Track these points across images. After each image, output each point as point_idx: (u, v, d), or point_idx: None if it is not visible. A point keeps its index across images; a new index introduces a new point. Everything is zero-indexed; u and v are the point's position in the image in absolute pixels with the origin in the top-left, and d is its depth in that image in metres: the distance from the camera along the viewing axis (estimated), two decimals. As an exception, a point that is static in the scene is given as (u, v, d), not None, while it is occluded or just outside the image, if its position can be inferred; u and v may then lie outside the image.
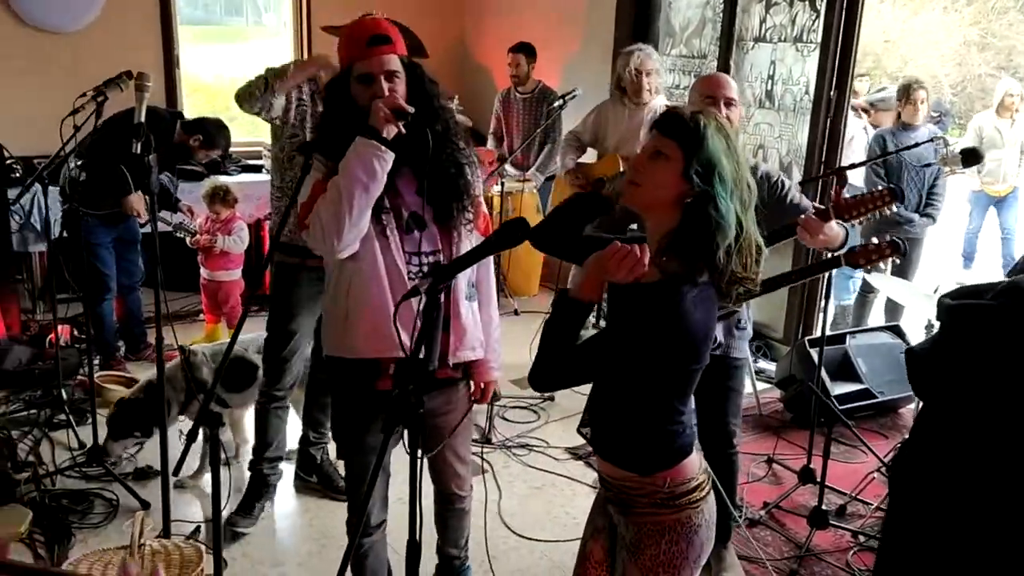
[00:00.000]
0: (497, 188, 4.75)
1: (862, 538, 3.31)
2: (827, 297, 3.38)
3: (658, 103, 4.50)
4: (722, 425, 2.94)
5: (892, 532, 1.95)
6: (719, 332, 2.77)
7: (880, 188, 2.67)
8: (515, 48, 5.80)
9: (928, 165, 4.55)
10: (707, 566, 2.91)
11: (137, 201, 4.19)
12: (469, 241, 2.27)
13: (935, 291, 3.32)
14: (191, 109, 6.32)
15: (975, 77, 14.18)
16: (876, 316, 5.27)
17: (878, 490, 3.57)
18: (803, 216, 2.58)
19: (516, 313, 5.59)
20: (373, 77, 2.12)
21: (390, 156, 2.08)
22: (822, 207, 2.61)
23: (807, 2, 4.55)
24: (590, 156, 4.87)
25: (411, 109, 2.10)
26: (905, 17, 14.71)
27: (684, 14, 5.37)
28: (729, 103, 2.74)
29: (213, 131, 4.37)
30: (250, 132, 7.06)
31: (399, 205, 2.19)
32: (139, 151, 2.61)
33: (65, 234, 3.64)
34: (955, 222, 7.54)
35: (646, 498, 1.77)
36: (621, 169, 4.53)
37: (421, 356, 1.74)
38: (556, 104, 4.55)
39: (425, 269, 2.21)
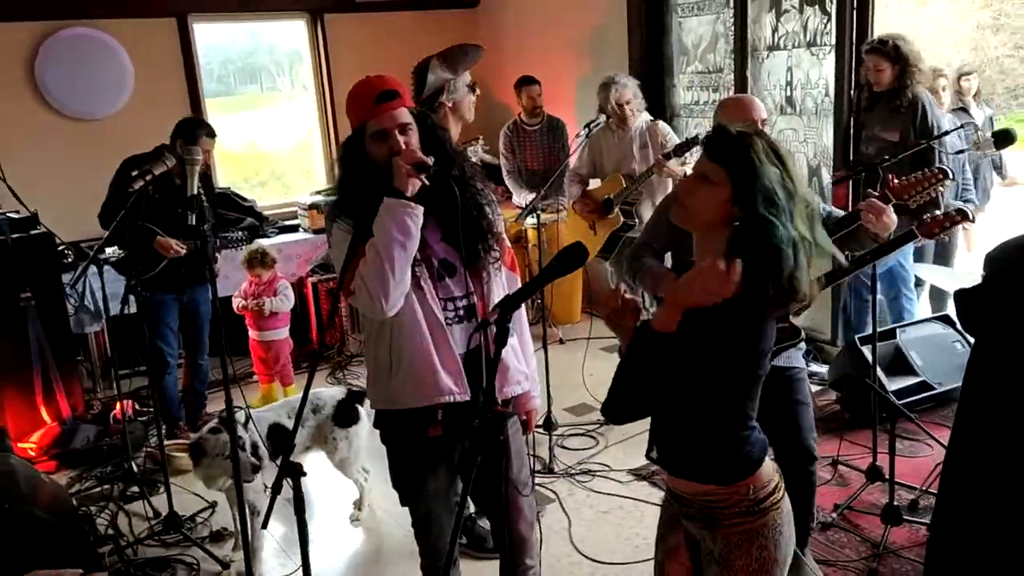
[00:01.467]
0: (532, 220, 4.83)
1: (938, 531, 3.28)
2: (873, 292, 3.39)
3: (641, 121, 4.78)
4: (799, 440, 2.90)
5: (951, 480, 1.97)
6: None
7: (930, 168, 2.69)
8: (526, 81, 5.95)
9: (961, 151, 4.54)
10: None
11: (168, 240, 4.21)
12: (497, 279, 2.33)
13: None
14: (223, 178, 6.52)
15: (992, 60, 14.06)
16: (923, 308, 5.23)
17: (948, 481, 3.53)
18: (867, 200, 2.61)
19: (561, 342, 5.62)
20: (388, 133, 2.17)
21: (420, 211, 2.13)
22: (876, 193, 2.65)
23: (817, 6, 4.60)
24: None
25: (431, 160, 2.14)
26: (914, 8, 14.68)
27: (696, 31, 5.44)
28: (761, 121, 2.80)
29: (184, 127, 4.32)
30: (283, 194, 7.25)
31: (428, 254, 2.25)
32: (194, 222, 2.72)
33: (128, 310, 3.74)
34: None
35: (731, 508, 1.79)
36: (624, 185, 4.79)
37: (486, 391, 1.80)
38: (582, 133, 4.68)
39: (461, 313, 2.27)
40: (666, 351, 1.68)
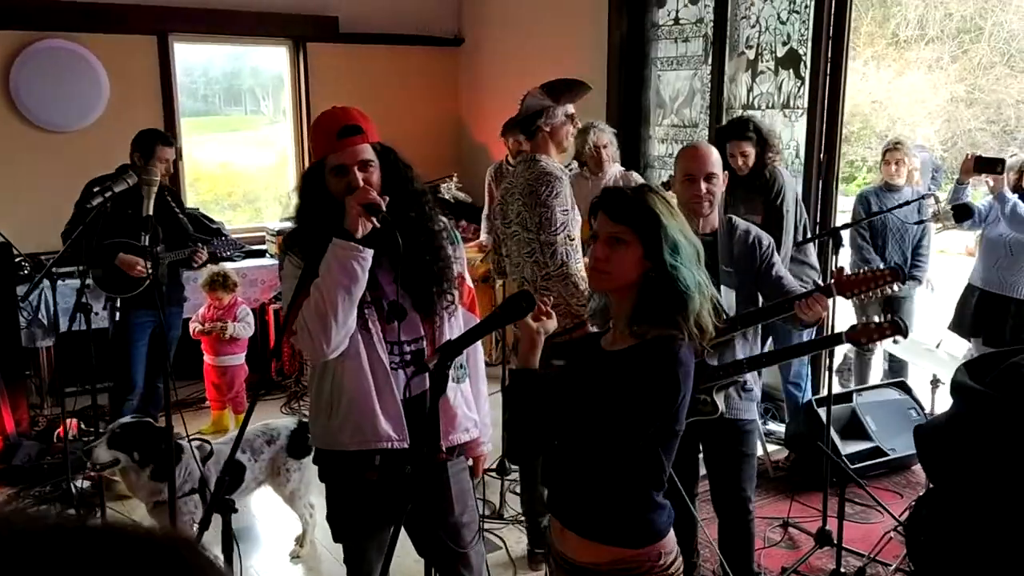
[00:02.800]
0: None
1: (884, 600, 3.26)
2: (831, 356, 3.40)
3: (616, 170, 4.79)
4: (737, 491, 2.93)
5: None
6: (723, 397, 2.79)
7: (883, 268, 2.71)
8: (513, 125, 5.96)
9: (919, 223, 4.61)
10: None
11: (130, 259, 4.15)
12: (450, 324, 2.28)
13: (937, 346, 3.34)
14: (194, 197, 6.46)
15: (965, 132, 14.42)
16: (876, 373, 5.26)
17: (896, 550, 3.52)
18: (812, 298, 2.62)
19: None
20: (347, 169, 2.13)
21: (368, 254, 2.08)
22: (824, 285, 2.67)
23: (792, 70, 4.68)
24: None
25: (383, 203, 2.09)
26: (890, 78, 15.04)
27: (673, 85, 5.51)
28: (710, 178, 2.77)
29: (140, 139, 4.27)
30: (252, 218, 7.21)
31: (379, 296, 2.20)
32: (147, 243, 2.67)
33: (78, 326, 3.67)
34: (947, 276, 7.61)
35: (641, 575, 1.76)
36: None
37: (426, 438, 1.78)
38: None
39: (408, 358, 2.23)
40: (532, 387, 1.78)
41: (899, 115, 14.50)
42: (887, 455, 4.18)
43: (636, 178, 4.87)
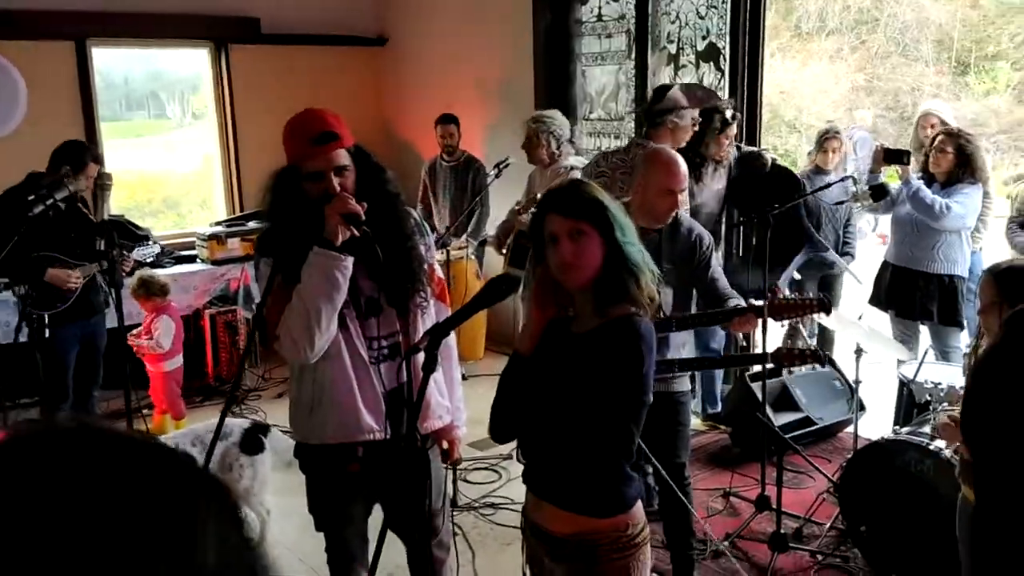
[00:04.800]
0: (440, 255, 4.93)
1: (820, 557, 3.48)
2: (764, 333, 3.60)
3: (569, 162, 4.89)
4: (673, 458, 3.10)
5: None
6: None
7: (812, 297, 2.95)
8: (445, 119, 6.06)
9: (841, 203, 4.90)
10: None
11: (60, 273, 4.05)
12: (423, 317, 2.36)
13: (860, 318, 3.57)
14: (114, 205, 6.31)
15: (864, 119, 15.10)
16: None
17: (829, 510, 3.76)
18: (746, 318, 2.86)
19: (464, 378, 5.65)
20: (323, 175, 2.14)
21: (349, 261, 2.14)
22: (757, 305, 2.88)
23: (712, 63, 4.90)
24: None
25: (362, 210, 2.13)
26: (796, 68, 15.64)
27: (599, 80, 5.68)
28: (683, 191, 2.97)
29: (70, 152, 4.16)
30: (178, 224, 7.09)
31: (356, 293, 2.25)
32: (103, 247, 2.66)
33: (21, 338, 3.59)
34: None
35: (610, 545, 1.86)
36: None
37: (404, 429, 1.87)
38: (492, 173, 4.80)
39: (386, 352, 2.30)
40: (534, 376, 1.86)
41: (805, 104, 15.10)
42: (816, 424, 4.43)
43: (574, 162, 4.96)
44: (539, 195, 4.85)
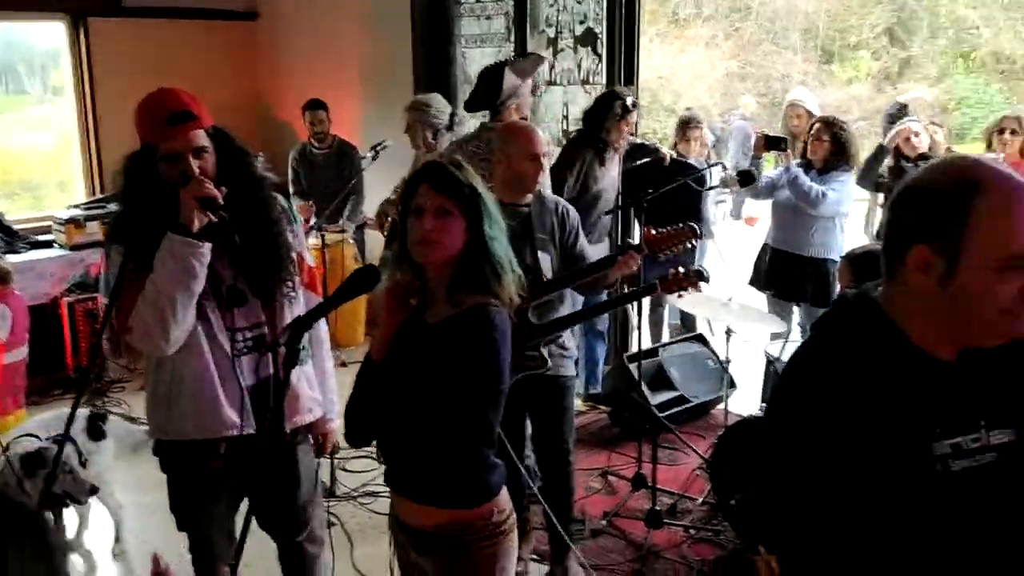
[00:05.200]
0: (315, 240, 4.79)
1: (693, 531, 3.59)
2: (640, 314, 3.67)
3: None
4: (559, 443, 3.13)
5: None
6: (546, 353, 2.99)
7: (682, 225, 2.97)
8: (312, 105, 5.90)
9: (711, 188, 5.04)
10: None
11: None
12: (291, 307, 2.27)
13: (729, 300, 3.68)
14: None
15: (740, 105, 15.65)
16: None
17: (702, 486, 3.88)
18: (627, 255, 2.88)
19: (344, 365, 5.55)
20: (180, 156, 2.06)
21: (207, 248, 2.04)
22: (635, 243, 2.93)
23: (590, 48, 4.94)
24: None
25: (220, 195, 2.05)
26: (674, 54, 16.05)
27: (479, 62, 5.63)
28: (545, 155, 2.99)
29: None
30: (34, 207, 6.65)
31: (217, 282, 2.16)
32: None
33: None
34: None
35: (476, 533, 1.85)
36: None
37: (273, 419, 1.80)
38: (368, 155, 4.68)
39: (250, 344, 2.21)
40: (393, 375, 1.81)
41: (683, 89, 15.51)
42: (690, 402, 4.57)
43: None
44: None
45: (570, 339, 3.14)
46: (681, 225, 2.97)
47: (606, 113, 4.25)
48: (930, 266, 1.22)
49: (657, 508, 3.56)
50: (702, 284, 2.97)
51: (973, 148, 10.19)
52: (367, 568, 3.36)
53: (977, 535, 1.21)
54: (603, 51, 4.85)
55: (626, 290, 3.34)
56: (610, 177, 4.38)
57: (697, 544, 3.53)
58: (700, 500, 3.79)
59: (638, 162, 4.74)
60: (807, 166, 4.45)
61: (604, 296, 3.67)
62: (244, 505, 2.32)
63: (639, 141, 4.82)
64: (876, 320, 1.29)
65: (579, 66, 4.99)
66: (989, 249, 1.17)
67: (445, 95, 5.73)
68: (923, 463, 1.24)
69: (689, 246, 3.00)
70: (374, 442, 2.02)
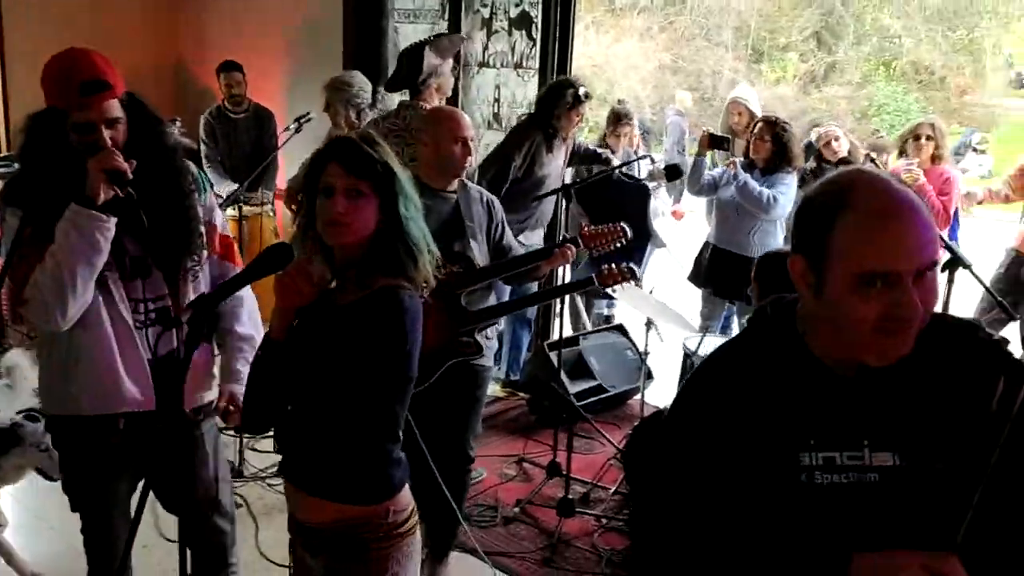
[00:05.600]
0: (233, 212, 4.64)
1: (604, 520, 3.61)
2: (563, 303, 3.67)
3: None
4: (462, 433, 3.08)
5: None
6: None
7: (615, 225, 3.02)
8: (227, 67, 5.71)
9: (638, 181, 5.06)
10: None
11: None
12: (195, 281, 2.19)
13: (651, 292, 3.71)
14: None
15: (671, 98, 15.85)
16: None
17: (615, 475, 3.91)
18: (563, 248, 2.93)
19: (260, 341, 5.44)
20: (93, 127, 1.97)
21: (112, 222, 1.96)
22: (570, 237, 2.96)
23: (524, 31, 4.89)
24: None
25: (129, 168, 1.96)
26: (608, 44, 16.13)
27: (412, 38, 5.51)
28: (471, 139, 2.94)
29: None
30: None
31: (121, 252, 2.06)
32: None
33: None
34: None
35: (372, 533, 1.76)
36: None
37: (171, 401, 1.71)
38: (292, 127, 4.54)
39: (153, 316, 2.12)
40: (289, 356, 1.72)
41: (616, 79, 15.61)
42: (608, 392, 4.59)
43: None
44: None
45: (491, 329, 3.11)
46: (614, 224, 3.01)
47: (557, 101, 4.21)
48: (804, 277, 1.24)
49: (570, 497, 3.56)
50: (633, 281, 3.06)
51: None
52: (271, 551, 3.28)
53: (845, 553, 1.17)
54: (538, 36, 4.81)
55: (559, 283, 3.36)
56: (556, 165, 4.35)
57: (608, 533, 3.55)
58: (613, 490, 3.82)
59: (591, 176, 4.71)
60: (750, 165, 4.45)
61: (535, 288, 3.68)
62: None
63: (596, 149, 4.80)
64: (784, 328, 1.30)
65: (513, 49, 4.94)
66: (846, 264, 1.18)
67: (375, 69, 5.62)
68: (788, 472, 1.24)
69: (620, 244, 3.05)
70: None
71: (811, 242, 1.22)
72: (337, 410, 1.71)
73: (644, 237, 4.77)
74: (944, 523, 1.18)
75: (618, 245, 3.05)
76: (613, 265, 3.03)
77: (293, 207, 4.95)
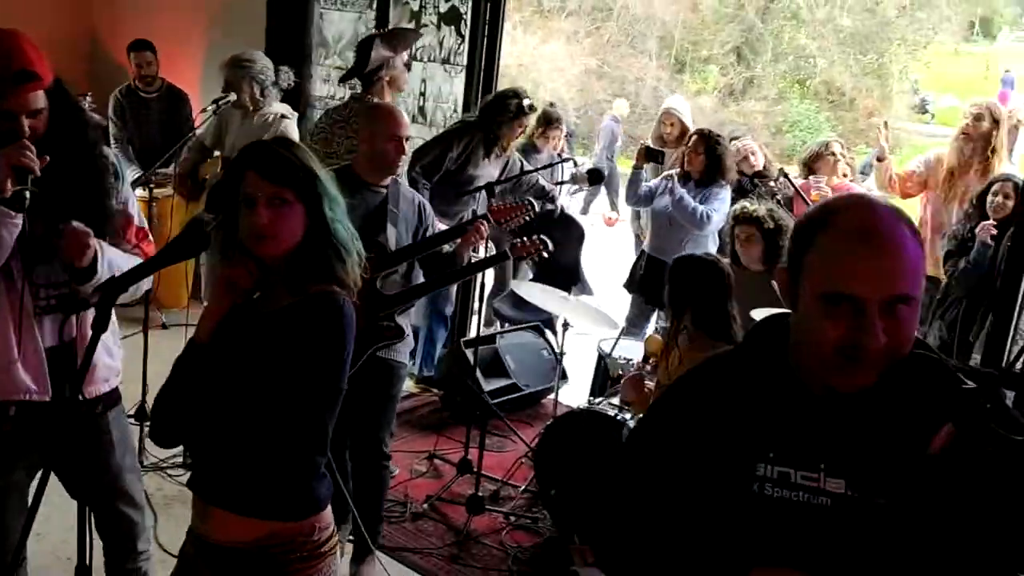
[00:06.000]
0: (142, 192, 4.48)
1: (512, 518, 3.64)
2: (481, 300, 3.67)
3: (276, 109, 4.64)
4: (376, 430, 3.07)
5: None
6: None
7: (521, 200, 3.17)
8: (138, 46, 5.53)
9: (561, 183, 5.11)
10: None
11: None
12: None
13: (569, 292, 3.75)
14: None
15: (595, 103, 16.06)
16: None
17: (526, 473, 3.94)
18: (475, 224, 3.01)
19: (164, 327, 5.27)
20: (15, 116, 1.90)
21: (19, 218, 1.88)
22: (483, 213, 3.06)
23: (453, 27, 4.87)
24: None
25: (38, 166, 1.89)
26: (535, 44, 16.22)
27: (337, 26, 5.45)
28: (407, 139, 2.95)
29: None
30: None
31: (23, 236, 1.97)
32: None
33: None
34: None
35: (293, 553, 1.68)
36: (220, 170, 4.81)
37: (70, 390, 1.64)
38: (209, 108, 4.42)
39: (52, 303, 2.04)
40: (212, 364, 1.64)
41: (542, 80, 15.70)
42: (522, 391, 4.62)
43: (290, 128, 4.74)
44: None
45: (407, 326, 3.09)
46: (521, 201, 3.19)
47: (501, 110, 4.22)
48: (784, 288, 1.28)
49: (480, 494, 3.57)
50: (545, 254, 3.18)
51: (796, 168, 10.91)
52: (171, 544, 3.18)
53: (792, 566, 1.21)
54: (467, 32, 4.80)
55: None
56: (488, 172, 4.34)
57: (516, 531, 3.58)
58: (522, 488, 3.85)
59: (511, 177, 4.72)
60: (685, 177, 4.49)
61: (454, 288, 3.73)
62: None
63: (544, 186, 4.80)
64: (774, 340, 1.32)
65: (441, 44, 4.92)
66: (814, 282, 1.20)
67: (299, 55, 5.53)
68: (742, 480, 1.26)
69: (529, 218, 3.21)
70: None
71: (792, 257, 1.26)
72: (266, 421, 1.61)
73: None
74: (882, 559, 1.20)
75: (527, 219, 3.21)
76: (526, 238, 3.14)
77: (183, 192, 4.89)
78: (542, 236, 3.16)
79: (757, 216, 3.71)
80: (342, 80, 4.28)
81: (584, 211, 10.28)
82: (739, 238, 3.79)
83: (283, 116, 4.57)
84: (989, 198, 3.86)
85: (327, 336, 1.64)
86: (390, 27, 4.46)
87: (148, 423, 3.89)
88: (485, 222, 3.06)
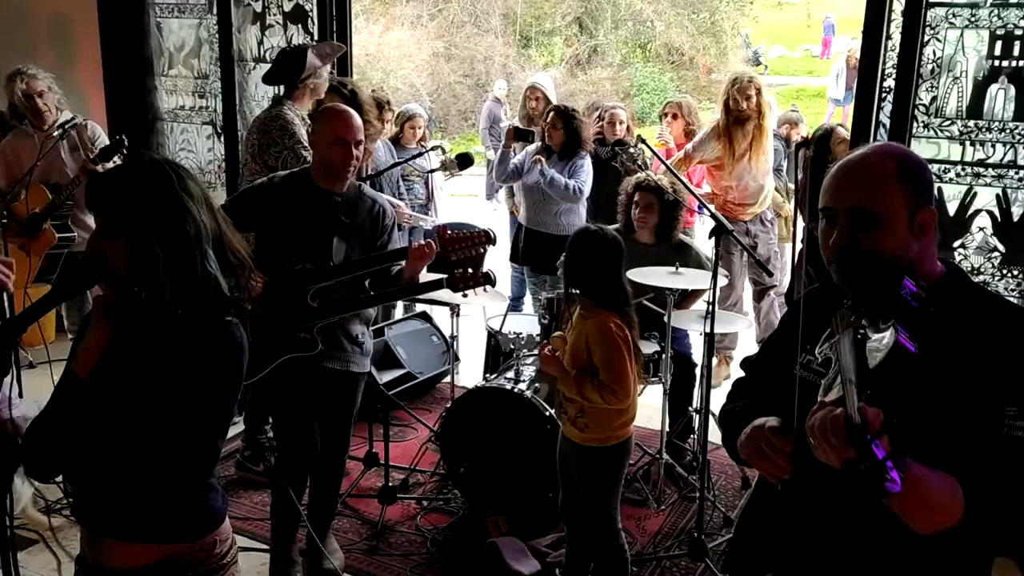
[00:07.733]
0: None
1: (425, 503, 3.71)
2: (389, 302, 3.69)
3: (66, 116, 4.58)
4: (340, 439, 3.16)
5: None
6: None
7: (479, 230, 2.98)
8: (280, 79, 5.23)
9: (432, 171, 5.17)
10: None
11: None
12: None
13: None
14: None
15: (447, 85, 16.07)
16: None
17: (432, 458, 4.02)
18: (422, 245, 2.82)
19: (32, 366, 5.02)
20: None
21: None
22: (429, 241, 2.86)
23: (300, 25, 4.81)
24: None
25: None
26: (380, 32, 16.05)
27: (177, 34, 5.27)
28: (359, 144, 2.85)
29: None
30: None
31: None
32: None
33: None
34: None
35: (198, 569, 1.66)
36: (50, 197, 4.66)
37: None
38: (56, 133, 4.24)
39: None
40: (94, 396, 1.58)
41: (391, 68, 15.58)
42: (417, 378, 4.68)
43: (95, 129, 4.67)
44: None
45: (366, 335, 3.07)
46: (479, 231, 2.98)
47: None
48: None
49: (390, 485, 3.63)
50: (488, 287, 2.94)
51: (651, 131, 11.35)
52: None
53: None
54: (315, 29, 4.76)
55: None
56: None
57: (430, 514, 3.65)
58: (430, 472, 3.92)
59: (385, 170, 4.74)
60: (548, 151, 4.83)
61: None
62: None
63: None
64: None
65: (290, 43, 4.85)
66: (821, 196, 1.52)
67: (141, 67, 5.35)
68: (792, 363, 1.53)
69: (483, 251, 2.98)
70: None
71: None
72: (157, 448, 1.58)
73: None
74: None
75: (481, 251, 2.97)
76: (470, 269, 2.90)
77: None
78: (488, 272, 2.89)
79: (660, 186, 3.91)
80: (267, 81, 4.17)
81: (489, 196, 10.22)
82: (638, 204, 3.99)
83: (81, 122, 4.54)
84: None
85: (224, 367, 1.61)
86: (317, 40, 4.52)
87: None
88: (430, 249, 2.84)
